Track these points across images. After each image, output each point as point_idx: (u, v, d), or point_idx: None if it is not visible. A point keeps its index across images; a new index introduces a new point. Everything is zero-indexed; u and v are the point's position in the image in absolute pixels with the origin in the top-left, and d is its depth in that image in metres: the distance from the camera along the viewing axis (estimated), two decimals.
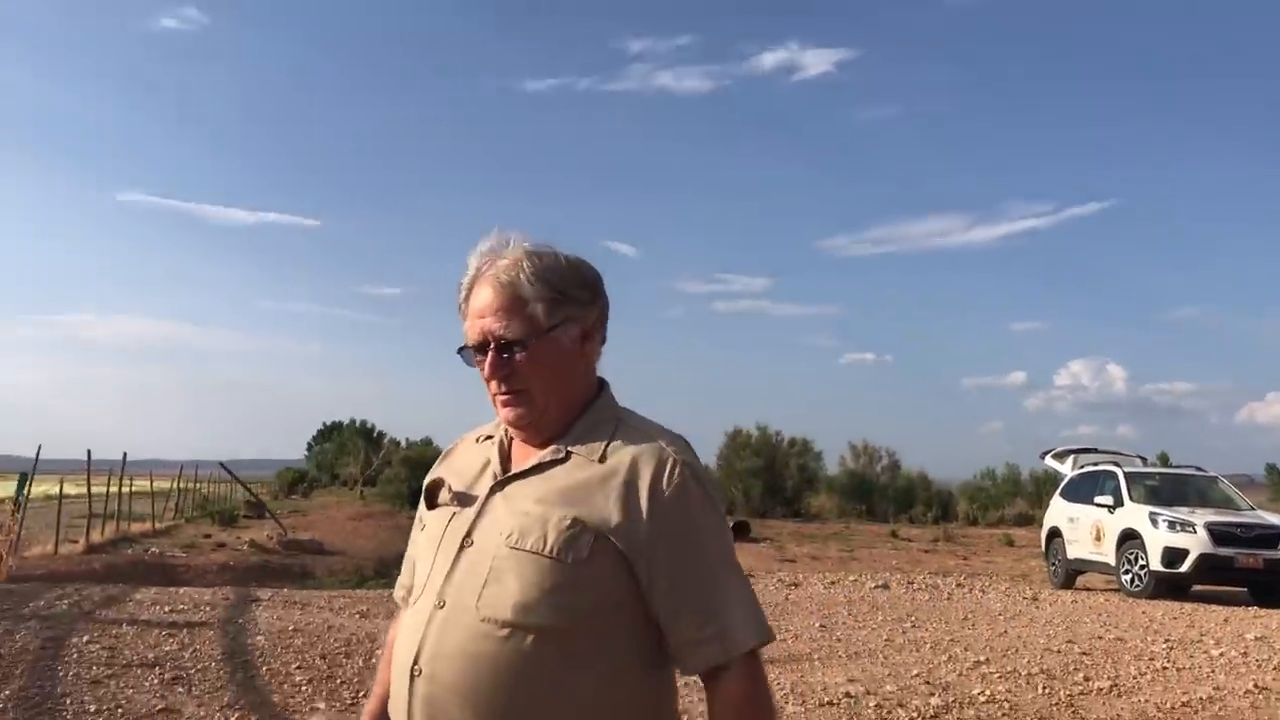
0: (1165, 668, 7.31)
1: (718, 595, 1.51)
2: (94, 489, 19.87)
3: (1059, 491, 16.76)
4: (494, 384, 1.63)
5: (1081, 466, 16.59)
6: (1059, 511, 16.13)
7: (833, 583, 14.55)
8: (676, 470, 1.54)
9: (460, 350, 1.68)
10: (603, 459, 1.57)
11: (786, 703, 5.67)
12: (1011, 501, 36.41)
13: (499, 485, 1.62)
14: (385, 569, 16.84)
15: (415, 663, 1.57)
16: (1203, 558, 13.13)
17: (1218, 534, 13.29)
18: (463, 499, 1.66)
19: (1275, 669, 7.42)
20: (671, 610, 1.51)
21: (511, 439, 1.70)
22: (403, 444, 59.11)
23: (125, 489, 22.45)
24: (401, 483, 39.16)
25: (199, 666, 6.33)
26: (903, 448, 41.75)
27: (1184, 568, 13.23)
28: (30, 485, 15.86)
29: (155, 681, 5.89)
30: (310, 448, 67.73)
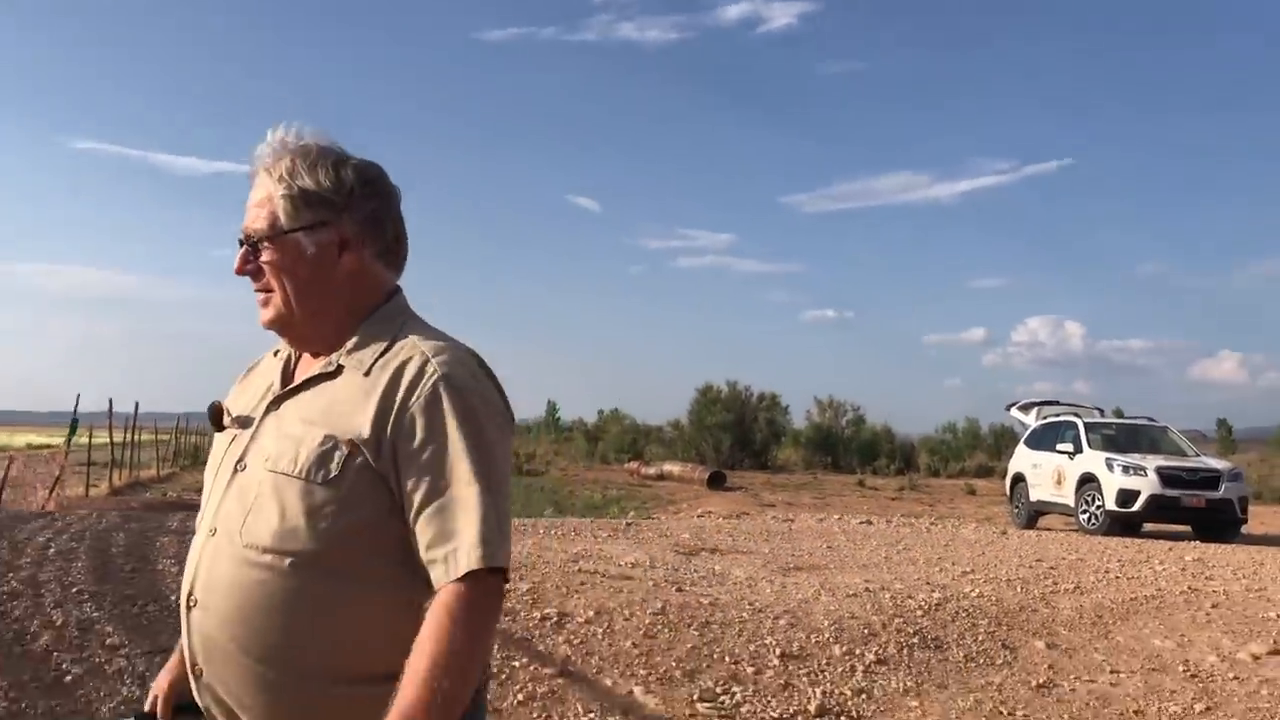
0: (1118, 577, 8.91)
1: (456, 514, 1.46)
2: (97, 439, 21.03)
3: (1023, 440, 18.49)
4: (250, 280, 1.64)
5: (1044, 418, 18.36)
6: (1023, 458, 17.84)
7: (821, 519, 16.14)
8: (431, 380, 1.51)
9: (239, 243, 1.66)
10: (369, 372, 1.56)
11: (819, 596, 7.14)
12: (971, 454, 38.41)
13: (273, 404, 1.63)
14: None
15: (190, 593, 1.58)
16: (1153, 498, 14.86)
17: (1166, 477, 15.02)
18: (243, 421, 1.66)
19: (1206, 578, 9.08)
20: (416, 527, 1.49)
21: (299, 355, 1.69)
22: None
23: (132, 438, 23.54)
24: None
25: None
26: (866, 402, 43.66)
27: (1136, 507, 14.95)
28: (75, 433, 17.01)
29: None
30: None
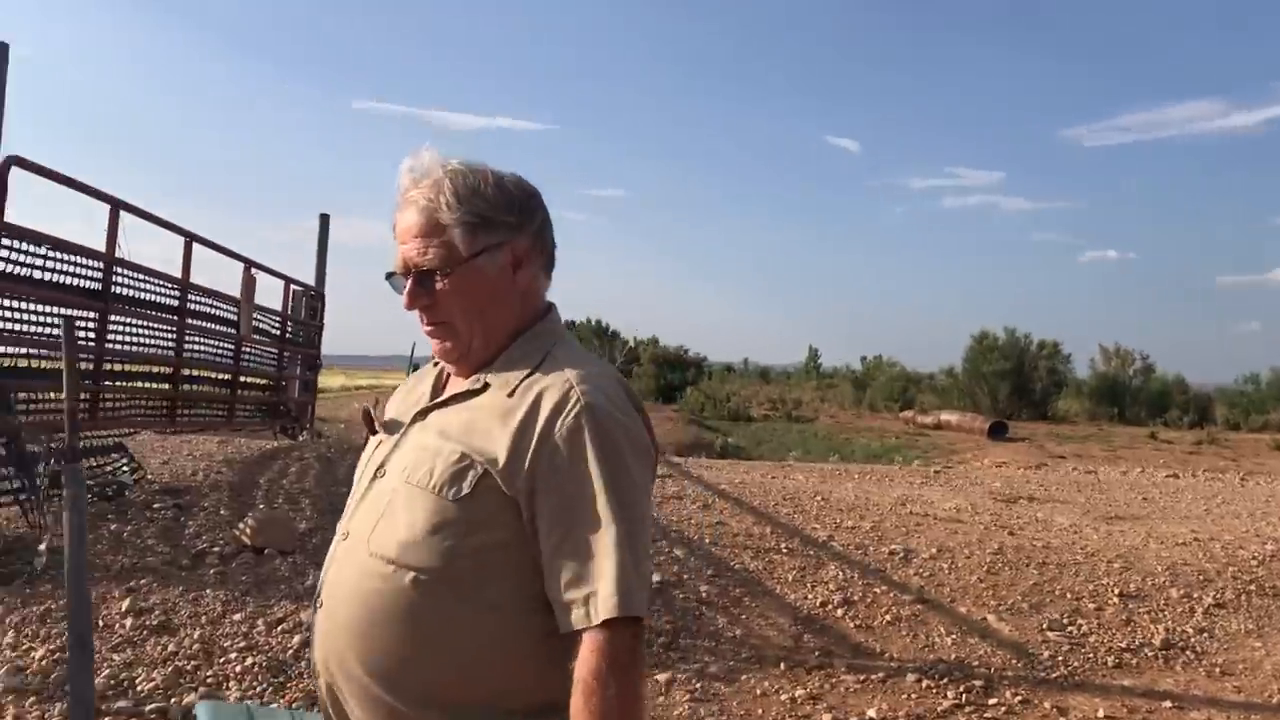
0: None
1: (593, 555, 1.42)
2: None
3: None
4: (417, 315, 1.61)
5: None
6: None
7: (1123, 471, 16.07)
8: (575, 410, 1.48)
9: (388, 277, 1.64)
10: (513, 393, 1.53)
11: (1148, 544, 7.56)
12: (1277, 406, 36.01)
13: (420, 414, 1.62)
14: (688, 452, 19.30)
15: (318, 594, 1.61)
16: None
17: None
18: (390, 427, 1.68)
19: None
20: (548, 563, 1.45)
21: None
22: (631, 342, 62.53)
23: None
24: (652, 379, 42.58)
25: None
26: (1152, 349, 41.62)
27: None
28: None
29: None
30: None
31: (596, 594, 1.40)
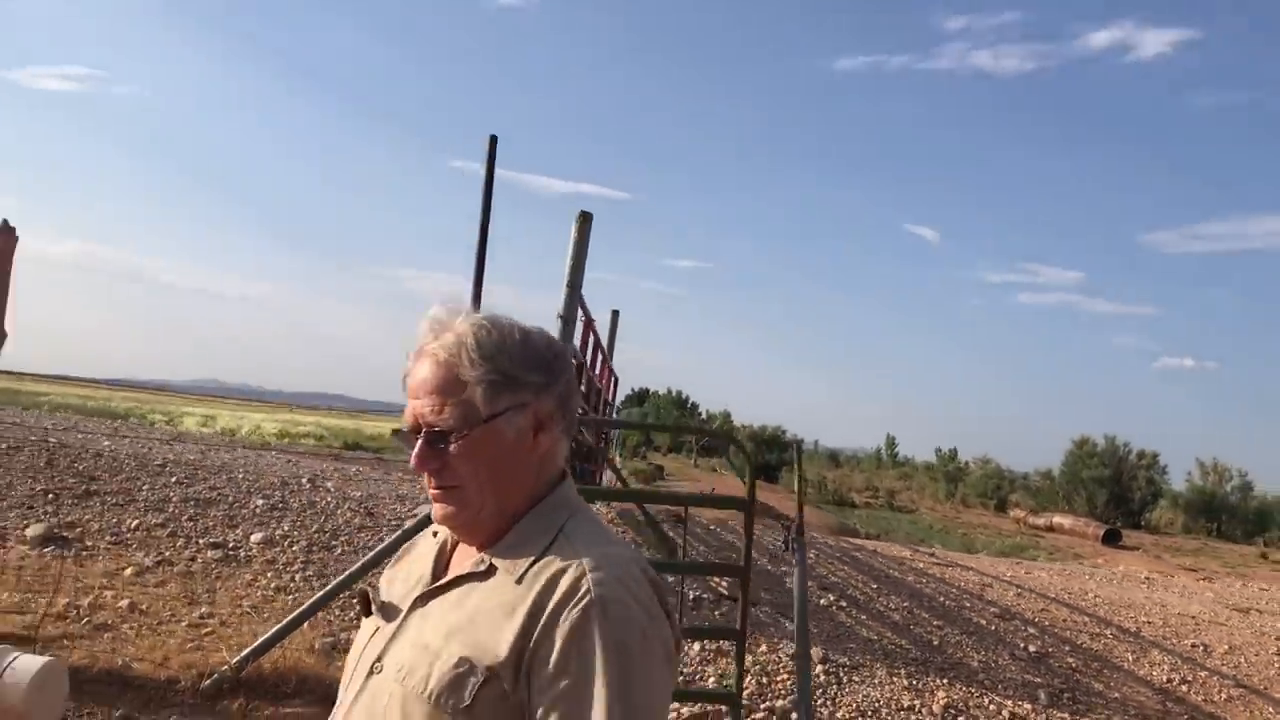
0: None
1: None
2: None
3: None
4: (425, 477, 1.49)
5: None
6: None
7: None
8: (583, 603, 1.36)
9: (395, 434, 1.55)
10: (521, 579, 1.42)
11: None
12: None
13: (420, 600, 1.50)
14: (836, 534, 21.23)
15: None
16: None
17: None
18: (388, 612, 1.55)
19: None
20: None
21: (457, 542, 1.57)
22: (703, 413, 64.74)
23: None
24: (748, 457, 44.48)
25: None
26: (1239, 459, 42.94)
27: None
28: None
29: None
30: (618, 410, 74.41)
31: None
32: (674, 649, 1.43)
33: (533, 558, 1.44)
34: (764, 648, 7.22)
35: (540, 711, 1.34)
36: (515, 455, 1.48)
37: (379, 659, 1.48)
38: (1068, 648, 8.50)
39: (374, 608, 1.57)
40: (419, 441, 1.47)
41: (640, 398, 72.67)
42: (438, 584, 1.51)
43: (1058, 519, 32.01)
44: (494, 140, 7.22)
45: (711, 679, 6.77)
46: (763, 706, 6.20)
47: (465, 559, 1.52)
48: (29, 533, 7.04)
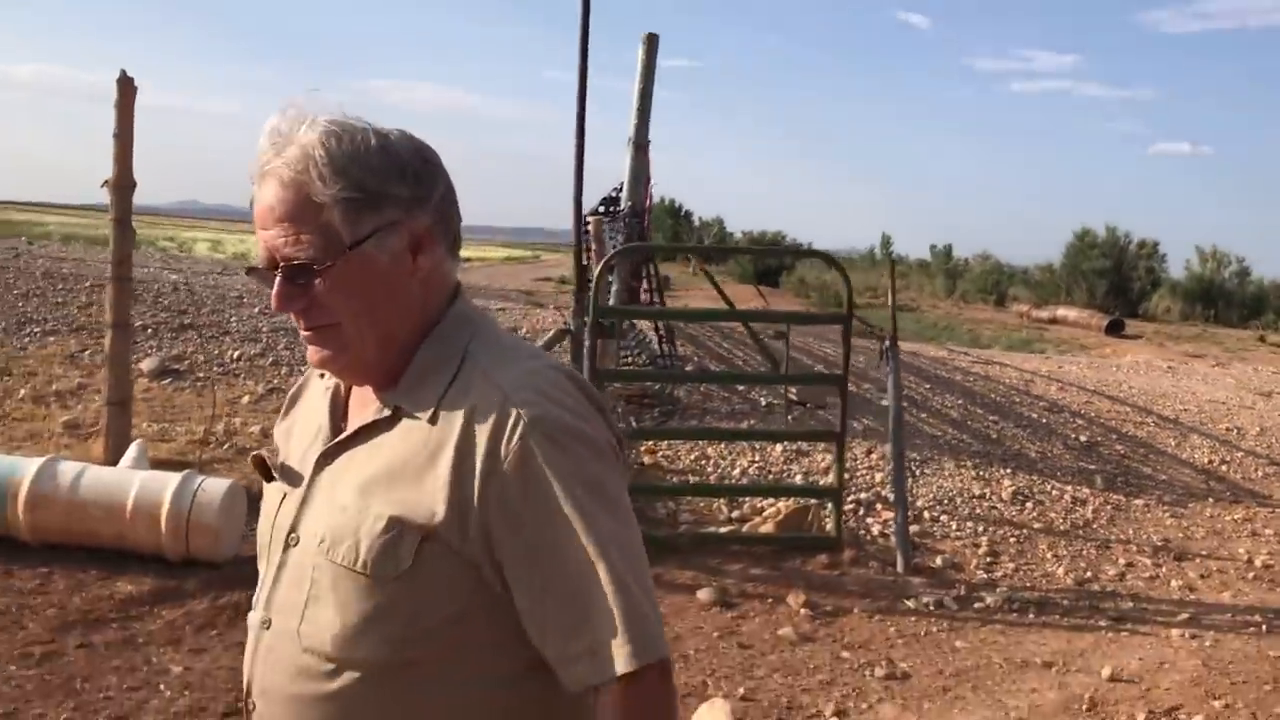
0: None
1: (588, 600, 1.20)
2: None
3: None
4: (294, 318, 1.30)
5: None
6: None
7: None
8: (518, 431, 1.22)
9: (249, 271, 1.35)
10: (434, 418, 1.27)
11: None
12: None
13: (323, 457, 1.34)
14: None
15: (248, 694, 1.37)
16: None
17: None
18: (290, 476, 1.39)
19: None
20: (531, 620, 1.24)
21: (350, 385, 1.39)
22: (697, 222, 64.63)
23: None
24: (749, 262, 44.89)
25: None
26: (1235, 244, 43.58)
27: None
28: None
29: None
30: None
31: (605, 644, 1.19)
32: (616, 443, 1.33)
33: (441, 389, 1.29)
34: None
35: (516, 560, 1.23)
36: (393, 282, 1.29)
37: (293, 529, 1.34)
38: (1114, 436, 9.11)
39: (274, 472, 1.41)
40: (277, 278, 1.27)
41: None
42: (340, 438, 1.35)
43: (1061, 311, 32.69)
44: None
45: (798, 476, 7.33)
46: (849, 500, 6.76)
47: (365, 404, 1.35)
48: (144, 366, 7.44)
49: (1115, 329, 29.73)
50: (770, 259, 45.21)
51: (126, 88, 5.76)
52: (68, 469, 5.15)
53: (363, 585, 1.24)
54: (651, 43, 6.81)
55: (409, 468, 1.26)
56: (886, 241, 66.15)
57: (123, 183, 5.80)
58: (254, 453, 1.46)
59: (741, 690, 4.60)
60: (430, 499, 1.23)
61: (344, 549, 1.25)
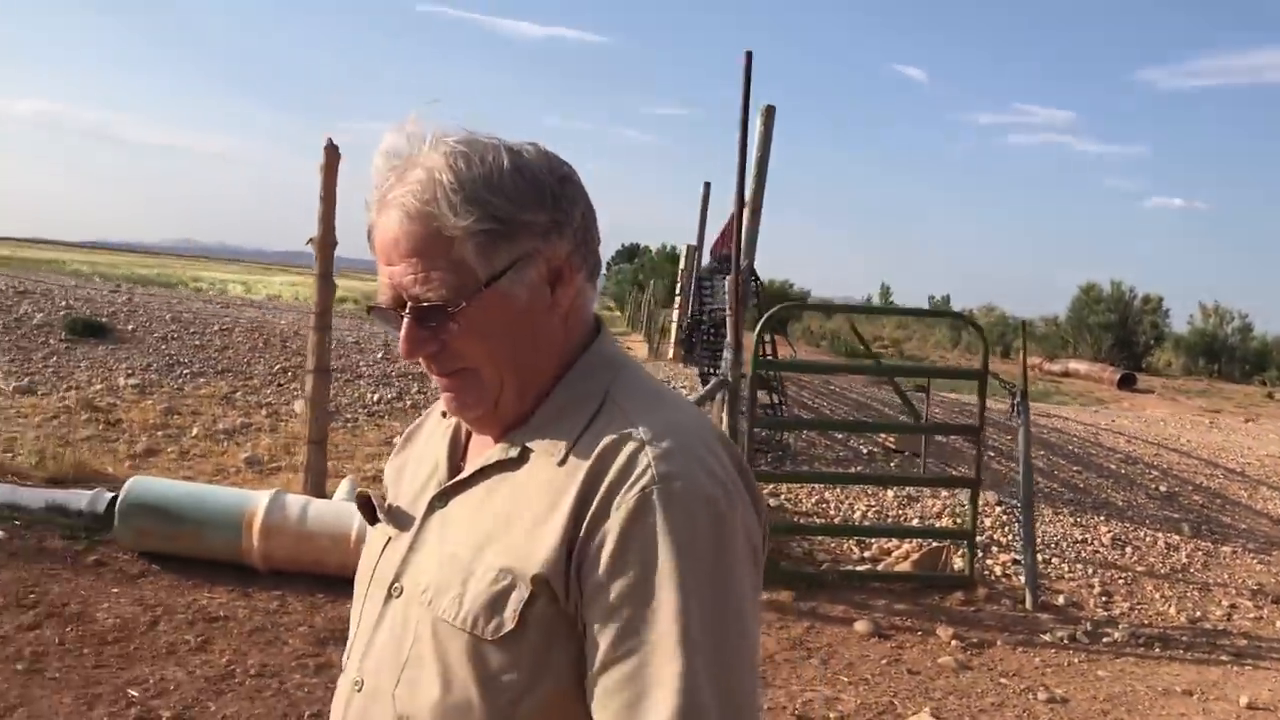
0: None
1: (651, 679, 1.03)
2: None
3: None
4: (424, 363, 1.19)
5: None
6: None
7: None
8: (642, 481, 1.08)
9: (370, 310, 1.23)
10: (564, 461, 1.14)
11: None
12: None
13: (438, 499, 1.23)
14: None
15: None
16: None
17: None
18: (399, 519, 1.27)
19: None
20: (593, 686, 1.07)
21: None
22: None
23: None
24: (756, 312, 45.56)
25: None
26: (1227, 298, 44.41)
27: None
28: None
29: None
30: (608, 266, 74.91)
31: None
32: (760, 541, 1.16)
33: (576, 433, 1.15)
34: (946, 493, 8.31)
35: (594, 625, 1.07)
36: (532, 320, 1.16)
37: (396, 579, 1.21)
38: (1189, 487, 9.68)
39: (380, 513, 1.28)
40: (405, 320, 1.14)
41: (630, 253, 72.94)
42: (458, 478, 1.22)
43: (1073, 364, 33.41)
44: (749, 57, 6.86)
45: (915, 520, 7.86)
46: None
47: (488, 442, 1.22)
48: (295, 408, 7.94)
49: (1127, 383, 30.38)
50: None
51: (331, 155, 6.31)
52: (293, 501, 5.64)
53: (465, 645, 1.11)
54: (769, 114, 7.37)
55: (529, 513, 1.12)
56: (885, 291, 67.03)
57: (326, 241, 6.33)
58: (358, 491, 1.39)
59: (927, 710, 5.10)
60: (541, 546, 1.09)
61: (448, 600, 1.12)
